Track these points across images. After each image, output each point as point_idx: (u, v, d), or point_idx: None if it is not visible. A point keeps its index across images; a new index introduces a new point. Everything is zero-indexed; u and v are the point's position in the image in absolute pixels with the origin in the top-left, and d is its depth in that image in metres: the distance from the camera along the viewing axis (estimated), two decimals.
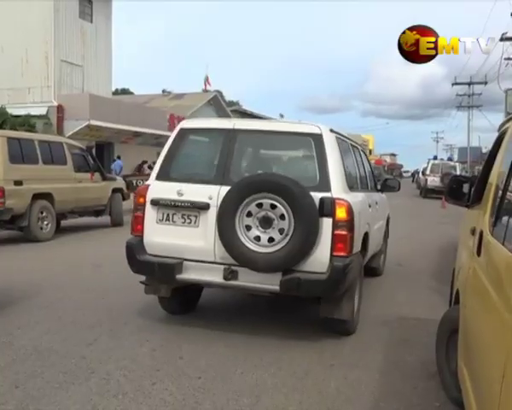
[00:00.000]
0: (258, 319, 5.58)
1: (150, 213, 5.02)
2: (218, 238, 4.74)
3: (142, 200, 5.08)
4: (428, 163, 33.70)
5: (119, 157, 24.76)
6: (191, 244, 4.90)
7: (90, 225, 13.13)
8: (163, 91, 46.83)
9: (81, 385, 3.80)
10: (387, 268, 8.56)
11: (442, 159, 40.38)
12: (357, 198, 5.29)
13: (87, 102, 23.08)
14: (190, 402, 3.59)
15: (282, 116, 52.06)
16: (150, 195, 5.04)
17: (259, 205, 4.64)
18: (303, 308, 6.02)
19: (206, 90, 39.46)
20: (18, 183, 9.99)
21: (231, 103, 51.50)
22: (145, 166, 25.15)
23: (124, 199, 13.92)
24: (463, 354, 2.94)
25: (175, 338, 4.86)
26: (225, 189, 4.78)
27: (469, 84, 48.15)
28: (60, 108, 23.37)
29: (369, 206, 6.21)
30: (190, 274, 4.91)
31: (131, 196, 13.51)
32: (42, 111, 23.27)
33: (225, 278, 4.75)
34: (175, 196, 4.94)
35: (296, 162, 5.96)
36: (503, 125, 3.53)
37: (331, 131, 5.21)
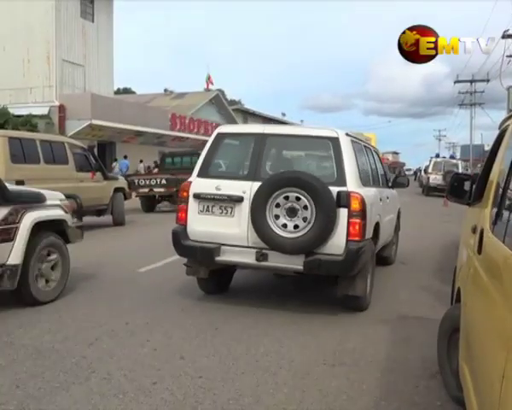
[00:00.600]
0: (255, 323, 5.57)
1: (192, 206, 5.88)
2: (251, 226, 5.58)
3: (185, 194, 5.94)
4: (430, 161, 33.64)
5: (125, 157, 24.84)
6: (227, 231, 5.73)
7: (91, 225, 13.13)
8: (165, 91, 46.87)
9: (82, 385, 3.80)
10: (389, 266, 8.55)
11: (444, 157, 40.29)
12: (369, 192, 6.06)
13: (89, 102, 23.12)
14: (191, 401, 3.58)
15: (283, 115, 52.04)
16: (193, 190, 5.90)
17: (286, 197, 5.49)
18: (303, 308, 6.02)
19: (207, 90, 39.46)
20: (19, 182, 9.99)
21: (233, 102, 51.50)
22: (141, 164, 25.20)
23: (125, 198, 13.91)
24: (464, 353, 2.93)
25: (176, 338, 4.86)
26: (257, 184, 5.63)
27: (471, 81, 48.11)
28: (61, 108, 23.43)
29: (380, 200, 6.97)
30: (227, 257, 5.75)
31: (133, 195, 13.54)
32: (44, 111, 23.32)
33: (257, 259, 5.60)
34: (214, 191, 5.80)
35: (317, 161, 6.77)
36: (503, 122, 3.51)
37: (347, 134, 6.04)
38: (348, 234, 5.43)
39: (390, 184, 8.48)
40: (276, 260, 5.59)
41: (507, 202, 2.60)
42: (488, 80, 42.97)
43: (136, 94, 48.26)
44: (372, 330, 5.28)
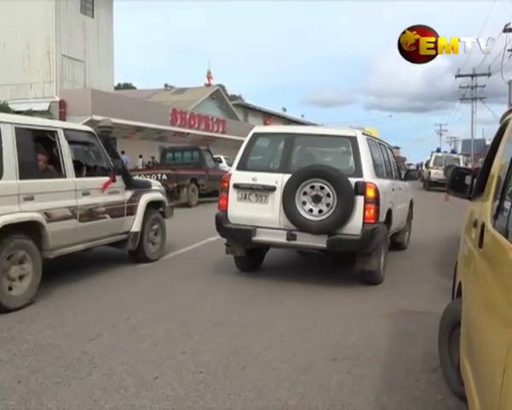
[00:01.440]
0: (256, 318, 5.57)
1: (232, 194, 6.89)
2: (282, 211, 6.60)
3: (226, 184, 6.96)
4: (432, 156, 33.56)
5: (123, 152, 24.78)
6: (262, 216, 6.75)
7: None
8: (165, 86, 46.78)
9: (83, 380, 3.81)
10: (390, 261, 8.54)
11: (445, 151, 40.20)
12: (382, 183, 7.01)
13: (89, 98, 23.09)
14: (192, 396, 3.59)
15: (284, 110, 51.99)
16: (232, 181, 6.93)
17: (312, 187, 6.50)
18: (303, 302, 6.03)
19: (208, 85, 39.38)
20: None
21: (234, 97, 51.39)
22: (140, 160, 25.18)
23: None
24: (466, 347, 2.93)
25: (177, 333, 4.86)
26: (287, 176, 6.63)
27: (472, 76, 47.92)
28: (62, 104, 23.39)
29: (393, 190, 7.86)
30: (262, 237, 6.78)
31: None
32: (44, 106, 23.29)
33: (288, 239, 6.62)
34: (250, 181, 6.83)
35: (338, 156, 7.63)
36: (504, 116, 3.49)
37: (363, 134, 7.09)
38: (364, 217, 6.42)
39: (403, 177, 9.48)
40: (304, 240, 6.57)
41: (508, 196, 2.59)
42: (489, 74, 42.86)
43: (137, 89, 48.22)
44: (373, 324, 5.28)
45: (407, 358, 4.40)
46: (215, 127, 31.70)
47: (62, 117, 23.17)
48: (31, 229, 5.77)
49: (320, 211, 6.47)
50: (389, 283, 7.18)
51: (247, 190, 6.84)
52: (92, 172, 7.24)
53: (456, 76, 47.80)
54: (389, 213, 7.30)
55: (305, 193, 6.50)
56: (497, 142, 3.34)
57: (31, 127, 6.15)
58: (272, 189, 6.72)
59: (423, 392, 3.76)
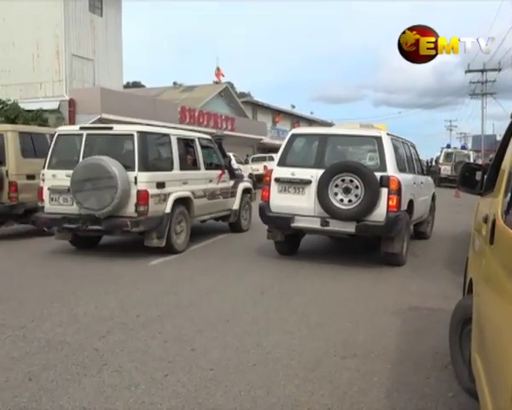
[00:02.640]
0: (266, 315, 5.57)
1: (274, 187, 8.02)
2: (317, 201, 7.64)
3: (268, 178, 8.13)
4: (442, 152, 33.37)
5: None
6: (299, 205, 7.81)
7: None
8: (174, 84, 46.78)
9: (94, 377, 3.82)
10: None
11: (455, 147, 39.94)
12: (404, 176, 7.95)
13: (98, 96, 23.13)
14: (202, 394, 3.59)
15: (293, 107, 51.79)
16: (274, 175, 8.08)
17: (343, 180, 7.51)
18: (312, 300, 6.02)
19: (217, 82, 39.34)
20: (30, 177, 10.04)
21: (242, 95, 51.33)
22: None
23: None
24: (477, 344, 2.91)
25: (187, 330, 4.87)
26: (321, 171, 7.65)
27: (483, 71, 47.62)
28: (71, 102, 23.44)
29: (414, 183, 8.81)
30: (299, 223, 7.84)
31: None
32: (54, 105, 23.35)
33: (321, 225, 7.68)
34: (289, 176, 7.92)
35: (365, 154, 8.56)
36: None
37: (387, 134, 8.03)
38: (388, 206, 7.40)
39: (425, 172, 10.53)
40: (335, 226, 7.63)
41: None
42: (500, 69, 42.59)
43: (146, 88, 48.26)
44: (383, 321, 5.27)
45: (417, 355, 4.37)
46: (224, 125, 31.70)
47: (72, 116, 23.25)
48: (185, 202, 8.93)
49: (349, 201, 7.50)
50: (399, 280, 7.16)
51: (286, 183, 7.94)
52: (212, 166, 10.33)
53: (466, 71, 47.56)
54: (411, 203, 8.23)
55: (336, 185, 7.53)
56: (508, 137, 3.31)
57: (183, 137, 9.60)
58: (308, 182, 7.79)
59: (434, 389, 3.74)
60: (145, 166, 8.11)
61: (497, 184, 3.14)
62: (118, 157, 8.08)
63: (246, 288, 6.37)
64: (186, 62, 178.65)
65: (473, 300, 3.26)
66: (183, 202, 8.80)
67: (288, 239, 8.43)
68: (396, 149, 8.20)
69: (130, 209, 7.97)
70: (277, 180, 7.98)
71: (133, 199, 7.88)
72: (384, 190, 7.39)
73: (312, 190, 7.72)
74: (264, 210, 8.06)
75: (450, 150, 33.65)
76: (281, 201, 7.93)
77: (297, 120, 48.78)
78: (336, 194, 7.52)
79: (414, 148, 10.19)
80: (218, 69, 39.32)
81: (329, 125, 52.65)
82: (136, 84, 56.56)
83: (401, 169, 8.07)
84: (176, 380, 3.79)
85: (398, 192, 7.44)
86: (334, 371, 4.00)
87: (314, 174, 7.73)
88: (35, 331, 4.79)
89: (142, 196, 7.96)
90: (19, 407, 3.37)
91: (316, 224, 7.73)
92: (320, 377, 3.89)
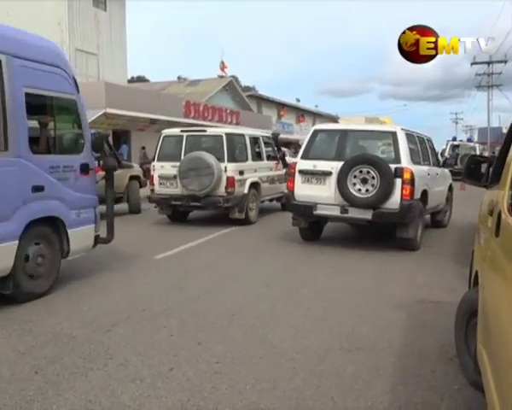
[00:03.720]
0: (271, 310, 5.57)
1: (298, 178, 8.75)
2: (337, 190, 8.34)
3: (292, 170, 8.86)
4: (447, 144, 33.22)
5: (124, 142, 25.03)
6: (321, 194, 8.53)
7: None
8: (178, 78, 46.74)
9: (99, 371, 3.84)
10: (405, 251, 8.50)
11: (461, 140, 39.76)
12: (417, 168, 8.61)
13: (103, 91, 23.10)
14: (208, 387, 3.60)
15: (298, 101, 51.63)
16: (298, 167, 8.76)
17: (361, 171, 8.18)
18: (316, 295, 6.02)
19: (221, 76, 39.26)
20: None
21: (247, 89, 51.22)
22: (143, 151, 25.20)
23: (141, 186, 13.96)
24: (482, 337, 2.90)
25: (192, 324, 4.88)
26: (341, 163, 8.34)
27: (489, 63, 47.30)
28: None
29: (428, 174, 9.32)
30: (321, 211, 8.57)
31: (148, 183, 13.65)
32: None
33: (341, 212, 8.40)
34: (312, 168, 8.64)
35: (381, 147, 9.44)
36: None
37: (402, 129, 8.69)
38: (402, 195, 8.07)
39: (441, 164, 11.14)
40: (354, 213, 8.32)
41: None
42: (506, 61, 42.30)
43: (150, 82, 48.21)
44: (388, 314, 5.26)
45: (422, 348, 4.37)
46: (229, 119, 31.63)
47: None
48: (256, 185, 11.77)
49: (367, 190, 8.16)
50: (405, 273, 7.14)
51: (309, 174, 8.66)
52: (271, 158, 13.11)
53: (472, 63, 47.22)
54: (425, 192, 8.85)
55: (355, 176, 8.20)
56: None
57: (252, 135, 12.60)
58: (329, 173, 8.48)
59: (439, 382, 3.74)
60: (231, 159, 11.07)
61: (503, 176, 3.12)
62: (211, 152, 10.89)
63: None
64: (190, 56, 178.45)
65: (478, 292, 3.25)
66: (254, 185, 11.78)
67: (311, 226, 9.13)
68: (410, 142, 8.85)
69: (222, 190, 10.89)
70: (301, 172, 8.70)
71: (223, 183, 10.80)
72: (398, 181, 8.08)
73: (333, 180, 8.42)
74: (289, 199, 8.85)
75: (455, 143, 33.51)
76: (304, 190, 8.66)
77: (302, 113, 48.63)
78: (355, 184, 8.20)
79: (430, 142, 10.82)
80: (222, 63, 39.22)
81: (334, 118, 52.52)
82: (141, 79, 56.52)
83: (415, 161, 8.70)
84: (181, 374, 3.80)
85: (412, 182, 8.12)
86: (339, 365, 4.00)
87: (334, 166, 8.42)
88: (41, 325, 4.81)
89: (230, 181, 10.91)
90: (25, 400, 3.39)
91: (336, 211, 8.44)
92: (325, 371, 3.89)
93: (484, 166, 4.27)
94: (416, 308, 5.49)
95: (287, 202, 9.10)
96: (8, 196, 5.21)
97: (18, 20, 23.96)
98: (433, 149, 10.93)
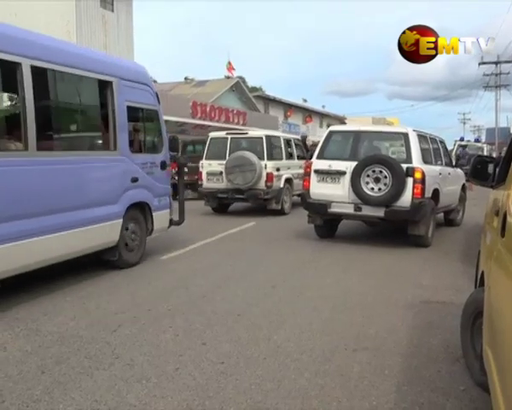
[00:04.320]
0: (276, 309, 5.57)
1: (313, 177, 9.13)
2: (351, 189, 8.70)
3: (308, 170, 9.28)
4: (455, 145, 33.07)
5: None
6: (335, 193, 8.89)
7: None
8: (185, 79, 46.79)
9: (105, 371, 3.85)
10: (411, 251, 8.48)
11: (469, 140, 39.54)
12: (428, 168, 8.92)
13: None
14: (213, 387, 3.61)
15: (305, 101, 51.57)
16: (313, 167, 9.17)
17: (373, 171, 8.55)
18: (323, 294, 6.01)
19: (228, 77, 39.28)
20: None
21: (254, 89, 51.19)
22: None
23: None
24: (488, 337, 2.88)
25: (197, 324, 4.89)
26: (355, 163, 8.71)
27: (496, 63, 47.01)
28: None
29: (440, 174, 9.60)
30: (335, 209, 8.93)
31: None
32: None
33: (355, 210, 8.78)
34: (327, 167, 9.02)
35: (393, 148, 10.11)
36: None
37: (413, 130, 9.02)
38: (413, 194, 8.39)
39: (454, 164, 11.32)
40: (367, 211, 8.68)
41: None
42: None
43: (158, 83, 48.31)
44: (394, 315, 5.24)
45: (428, 348, 4.35)
46: (235, 119, 31.64)
47: None
48: (289, 181, 13.79)
49: (379, 189, 8.52)
50: (411, 272, 7.12)
51: (324, 174, 9.03)
52: (300, 157, 14.77)
53: (479, 63, 46.87)
54: (436, 191, 9.14)
55: (368, 175, 8.57)
56: None
57: (286, 138, 14.91)
58: (343, 173, 8.83)
59: (445, 383, 3.73)
60: (270, 157, 13.00)
61: (509, 176, 3.11)
62: (253, 152, 12.78)
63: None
64: (197, 57, 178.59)
65: (484, 293, 3.23)
66: (288, 181, 13.71)
67: (326, 224, 9.51)
68: (422, 143, 9.21)
69: (262, 185, 12.78)
70: (316, 171, 9.10)
71: (264, 178, 12.67)
72: (409, 180, 8.40)
73: (347, 179, 8.78)
74: (305, 197, 9.27)
75: (463, 143, 33.35)
76: (319, 189, 9.04)
77: (309, 114, 48.57)
78: (368, 183, 8.57)
79: (443, 143, 11.19)
80: (229, 63, 39.22)
81: (341, 119, 52.42)
82: None
83: (426, 161, 9.03)
84: (187, 373, 3.81)
85: (422, 181, 8.44)
86: (344, 365, 4.00)
87: (348, 166, 8.79)
88: (48, 325, 4.83)
89: (270, 177, 12.82)
90: (32, 400, 3.41)
91: (350, 209, 8.82)
92: (331, 371, 3.89)
93: (490, 167, 4.24)
94: (422, 309, 5.47)
95: (302, 201, 9.46)
96: (117, 184, 6.95)
97: (26, 22, 24.13)
98: (445, 149, 11.20)
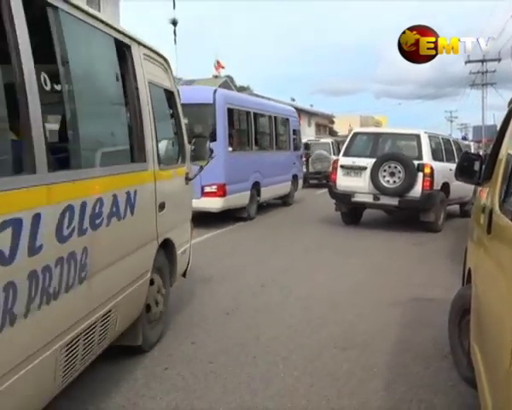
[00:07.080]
0: (265, 307, 5.57)
1: (339, 172, 10.79)
2: (371, 182, 10.27)
3: (336, 165, 10.97)
4: None
5: None
6: (358, 185, 10.47)
7: None
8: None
9: (93, 371, 3.82)
10: (401, 249, 8.53)
11: (456, 138, 39.76)
12: (438, 164, 10.45)
13: None
14: (201, 386, 3.60)
15: (293, 100, 51.53)
16: (340, 163, 10.87)
17: (389, 166, 10.14)
18: (313, 293, 6.01)
19: (216, 76, 39.18)
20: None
21: (242, 88, 51.06)
22: None
23: None
24: (475, 334, 2.91)
25: (187, 324, 4.87)
26: (374, 159, 10.34)
27: (483, 61, 47.23)
28: None
29: (450, 169, 9.80)
30: (357, 198, 10.51)
31: None
32: None
33: (374, 199, 10.35)
34: (351, 163, 10.69)
35: (407, 147, 11.26)
36: None
37: (425, 132, 10.77)
38: (423, 186, 9.97)
39: None
40: (384, 200, 10.25)
41: None
42: (500, 59, 42.18)
43: None
44: (383, 312, 5.26)
45: (417, 345, 4.38)
46: None
47: None
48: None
49: (394, 181, 10.06)
50: (401, 270, 7.16)
51: (348, 168, 10.67)
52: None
53: (465, 62, 47.07)
54: (446, 185, 10.59)
55: (384, 170, 10.14)
56: (505, 127, 3.30)
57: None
58: (364, 168, 10.43)
59: (433, 379, 3.75)
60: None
61: (495, 173, 3.14)
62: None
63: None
64: (185, 57, 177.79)
65: (471, 290, 3.26)
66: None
67: (350, 212, 11.08)
68: (432, 142, 10.75)
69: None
70: (342, 166, 10.76)
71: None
72: (420, 174, 9.98)
73: (367, 173, 10.33)
74: (332, 189, 10.91)
75: None
76: (344, 182, 10.61)
77: (297, 112, 48.56)
78: (384, 176, 10.13)
79: (456, 143, 13.16)
80: (217, 62, 39.10)
81: (330, 117, 52.49)
82: None
83: (436, 158, 10.59)
84: (175, 373, 3.79)
85: (431, 175, 10.00)
86: (333, 363, 4.00)
87: (369, 162, 10.37)
88: None
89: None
90: None
91: (369, 199, 10.40)
92: (320, 369, 3.89)
93: (477, 164, 4.26)
94: (411, 306, 5.50)
95: (330, 192, 11.06)
96: (289, 165, 14.62)
97: None
98: (458, 148, 12.39)
